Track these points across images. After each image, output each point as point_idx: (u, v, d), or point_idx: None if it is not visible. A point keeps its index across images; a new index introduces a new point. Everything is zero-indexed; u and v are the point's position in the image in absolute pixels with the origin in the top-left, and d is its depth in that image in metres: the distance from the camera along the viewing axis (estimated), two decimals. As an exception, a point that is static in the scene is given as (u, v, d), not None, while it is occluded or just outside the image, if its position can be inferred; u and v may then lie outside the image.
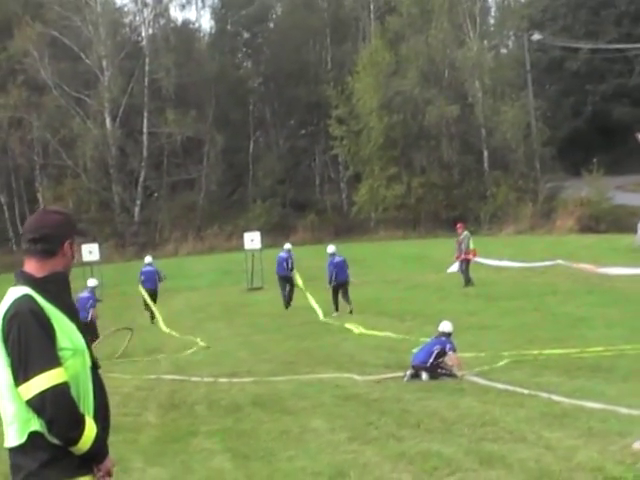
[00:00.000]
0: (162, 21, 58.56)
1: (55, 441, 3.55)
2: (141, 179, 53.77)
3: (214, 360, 16.71)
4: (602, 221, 42.21)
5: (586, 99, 59.16)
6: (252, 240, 31.54)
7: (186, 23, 63.35)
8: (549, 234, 41.94)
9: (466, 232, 27.05)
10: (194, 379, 14.23)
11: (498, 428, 8.89)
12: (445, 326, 13.23)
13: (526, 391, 10.78)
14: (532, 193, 46.97)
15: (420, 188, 49.06)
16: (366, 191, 50.16)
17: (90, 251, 30.81)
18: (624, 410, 9.18)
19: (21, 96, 49.80)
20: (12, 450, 3.62)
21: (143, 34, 58.27)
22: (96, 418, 3.68)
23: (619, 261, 27.10)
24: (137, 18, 59.21)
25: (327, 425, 9.76)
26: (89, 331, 20.13)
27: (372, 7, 57.76)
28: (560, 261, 26.78)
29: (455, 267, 27.56)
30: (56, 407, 3.49)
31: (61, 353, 3.58)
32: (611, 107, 57.66)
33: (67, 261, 3.83)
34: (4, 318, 3.59)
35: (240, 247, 34.74)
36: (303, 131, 61.43)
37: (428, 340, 13.57)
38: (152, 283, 25.99)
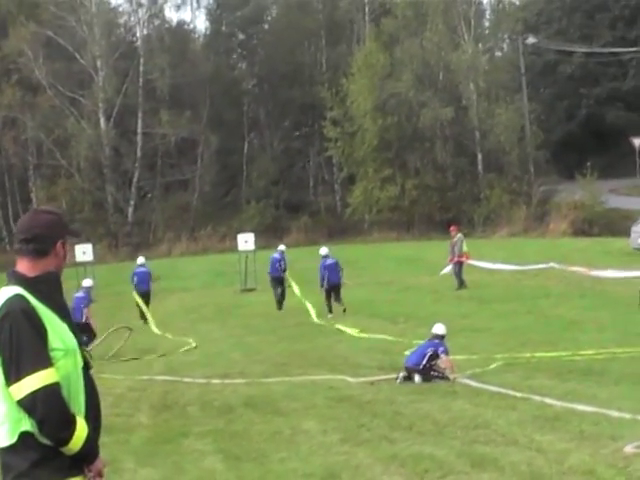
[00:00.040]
0: (157, 22, 58.47)
1: (46, 441, 3.55)
2: (135, 179, 53.67)
3: (207, 361, 16.71)
4: (595, 224, 42.26)
5: (580, 102, 59.29)
6: (246, 241, 31.53)
7: (181, 24, 63.33)
8: (542, 237, 42.00)
9: (459, 234, 27.08)
10: (186, 380, 14.22)
11: (490, 431, 8.91)
12: (438, 329, 13.25)
13: (518, 394, 10.79)
14: (526, 196, 47.02)
15: (414, 190, 49.09)
16: (360, 193, 50.15)
17: (83, 251, 30.77)
18: (616, 413, 9.20)
19: (15, 96, 49.66)
20: (3, 450, 3.61)
21: (138, 34, 58.22)
22: (87, 418, 3.67)
23: (612, 264, 27.14)
24: (132, 18, 59.20)
25: (319, 427, 9.76)
26: (85, 331, 19.87)
27: (367, 9, 57.75)
28: (553, 264, 26.83)
29: (448, 268, 27.60)
30: (47, 407, 3.49)
31: (52, 353, 3.57)
32: (605, 111, 57.80)
33: (59, 261, 3.83)
34: (-5, 318, 3.58)
35: (234, 248, 34.71)
36: (297, 132, 61.37)
37: (421, 342, 13.59)
38: (145, 284, 25.91)
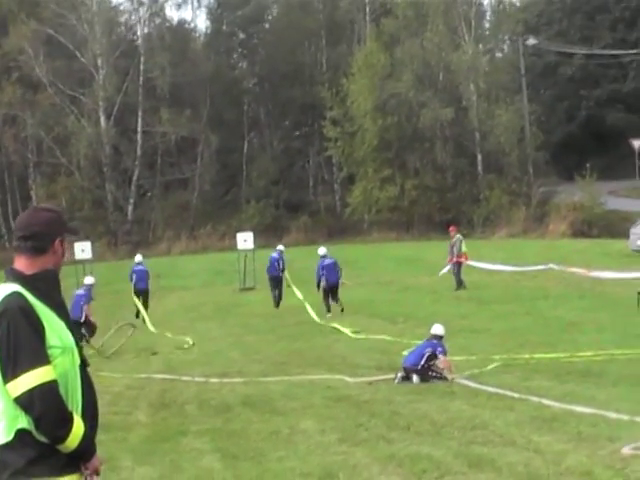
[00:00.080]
0: (157, 20, 58.52)
1: (43, 439, 3.54)
2: (135, 178, 53.69)
3: (205, 360, 16.70)
4: (594, 226, 42.31)
5: (580, 104, 59.31)
6: (245, 240, 31.54)
7: (182, 23, 63.41)
8: (542, 238, 42.02)
9: (458, 235, 27.09)
10: (185, 378, 14.23)
11: (488, 431, 8.90)
12: (437, 329, 13.26)
13: (516, 395, 10.80)
14: (525, 197, 47.06)
15: (414, 190, 49.11)
16: (360, 193, 50.15)
17: (83, 249, 30.73)
18: (613, 415, 9.20)
19: (15, 93, 49.68)
20: (-1, 447, 3.61)
21: (138, 33, 58.28)
22: (84, 416, 3.67)
23: (611, 266, 27.15)
24: (132, 17, 59.26)
25: (317, 426, 9.76)
26: (86, 329, 19.84)
27: (368, 9, 57.76)
28: (552, 265, 26.84)
29: (446, 269, 27.61)
30: (44, 405, 3.48)
31: (50, 351, 3.57)
32: (605, 112, 57.83)
33: (57, 259, 3.82)
34: (-7, 315, 3.58)
35: (233, 247, 34.71)
36: (297, 132, 61.41)
37: (420, 342, 13.60)
38: (144, 282, 25.94)
